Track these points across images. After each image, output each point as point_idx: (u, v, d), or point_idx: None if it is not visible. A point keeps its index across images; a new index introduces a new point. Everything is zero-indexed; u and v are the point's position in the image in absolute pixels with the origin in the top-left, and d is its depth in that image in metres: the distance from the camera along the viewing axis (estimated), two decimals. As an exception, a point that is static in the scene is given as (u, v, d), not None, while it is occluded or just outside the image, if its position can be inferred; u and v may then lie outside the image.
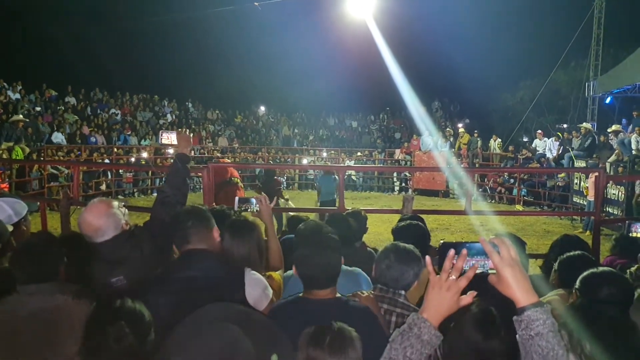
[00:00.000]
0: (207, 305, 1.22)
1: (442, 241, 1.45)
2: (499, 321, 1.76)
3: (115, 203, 2.53)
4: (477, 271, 1.39)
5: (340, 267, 1.99)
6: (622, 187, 10.43)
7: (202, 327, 1.07)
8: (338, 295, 2.00)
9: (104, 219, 2.39)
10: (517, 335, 1.33)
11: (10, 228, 2.87)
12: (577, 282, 2.00)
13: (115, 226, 2.43)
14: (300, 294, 2.04)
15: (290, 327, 1.85)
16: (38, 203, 6.31)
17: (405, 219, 3.42)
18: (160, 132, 3.61)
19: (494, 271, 1.34)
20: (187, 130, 20.09)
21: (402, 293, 2.27)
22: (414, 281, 2.30)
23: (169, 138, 3.12)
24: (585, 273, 2.01)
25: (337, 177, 8.42)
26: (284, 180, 15.74)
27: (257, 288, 2.16)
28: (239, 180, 7.74)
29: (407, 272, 2.27)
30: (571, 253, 2.49)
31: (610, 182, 10.40)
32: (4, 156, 12.70)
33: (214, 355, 1.01)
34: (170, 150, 18.85)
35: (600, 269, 2.10)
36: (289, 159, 20.89)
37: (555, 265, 2.48)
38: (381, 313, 2.18)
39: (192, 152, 19.53)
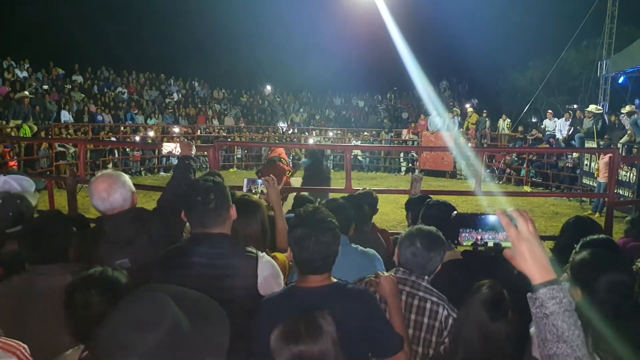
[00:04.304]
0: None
1: (455, 212, 1.39)
2: (508, 303, 1.73)
3: (124, 175, 2.53)
4: (489, 244, 1.33)
5: (337, 252, 1.91)
6: (634, 168, 10.31)
7: (131, 297, 1.09)
8: (334, 280, 1.92)
9: (114, 186, 2.39)
10: (531, 314, 1.27)
11: (34, 202, 2.88)
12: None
13: (124, 198, 2.41)
14: (294, 284, 1.97)
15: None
16: (45, 180, 6.32)
17: (424, 198, 3.35)
18: (162, 144, 3.84)
19: (509, 244, 1.27)
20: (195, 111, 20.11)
21: (426, 277, 2.24)
22: (438, 266, 2.25)
23: (171, 147, 3.40)
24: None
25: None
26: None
27: (270, 274, 2.10)
28: (283, 160, 7.63)
29: (433, 259, 2.21)
30: (595, 236, 2.43)
31: (622, 163, 10.27)
32: (12, 134, 12.74)
33: (138, 318, 1.00)
34: (176, 129, 18.94)
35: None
36: (295, 139, 20.81)
37: (577, 248, 2.43)
38: (402, 296, 2.16)
39: (199, 131, 19.56)
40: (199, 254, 2.04)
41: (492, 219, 1.33)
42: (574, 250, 2.43)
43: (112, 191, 2.38)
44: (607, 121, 13.29)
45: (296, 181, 8.38)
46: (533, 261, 1.23)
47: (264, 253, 2.17)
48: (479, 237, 1.36)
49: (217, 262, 2.02)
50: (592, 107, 13.80)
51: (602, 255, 1.92)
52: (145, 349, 0.96)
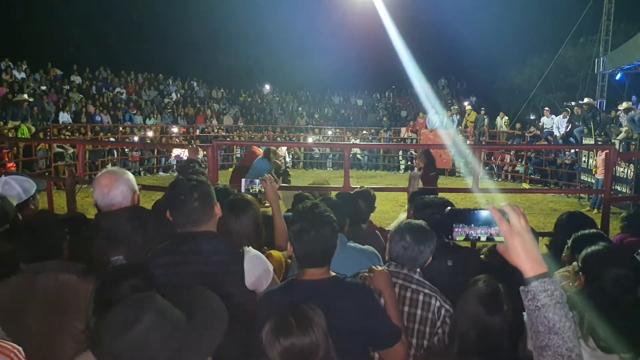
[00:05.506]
0: None
1: (448, 208, 1.41)
2: (504, 297, 1.75)
3: (129, 173, 2.58)
4: (482, 238, 1.35)
5: (335, 246, 1.95)
6: (631, 164, 10.33)
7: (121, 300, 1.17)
8: (333, 274, 1.96)
9: (116, 183, 2.43)
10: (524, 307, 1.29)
11: (15, 202, 2.89)
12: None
13: (124, 195, 2.44)
14: (293, 277, 2.01)
15: None
16: (45, 181, 6.33)
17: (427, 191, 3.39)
18: (173, 150, 3.98)
19: (502, 239, 1.29)
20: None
21: (418, 270, 2.28)
22: (429, 258, 2.31)
23: (180, 151, 3.55)
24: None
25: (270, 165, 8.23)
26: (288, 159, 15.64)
27: (257, 268, 2.10)
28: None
29: (424, 252, 2.27)
30: (586, 231, 2.47)
31: (620, 159, 10.29)
32: (11, 135, 12.72)
33: (120, 318, 1.08)
34: (175, 129, 18.95)
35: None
36: (294, 138, 20.83)
37: (569, 243, 2.45)
38: (395, 288, 2.19)
39: (197, 131, 19.56)
40: (185, 252, 2.05)
41: (484, 214, 1.35)
42: (566, 246, 2.46)
43: (113, 187, 2.41)
44: (601, 115, 13.37)
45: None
46: (525, 255, 1.25)
47: (250, 247, 2.18)
48: (471, 232, 1.38)
49: (204, 259, 2.04)
50: (586, 100, 13.92)
51: (615, 249, 1.99)
52: (129, 346, 1.03)
